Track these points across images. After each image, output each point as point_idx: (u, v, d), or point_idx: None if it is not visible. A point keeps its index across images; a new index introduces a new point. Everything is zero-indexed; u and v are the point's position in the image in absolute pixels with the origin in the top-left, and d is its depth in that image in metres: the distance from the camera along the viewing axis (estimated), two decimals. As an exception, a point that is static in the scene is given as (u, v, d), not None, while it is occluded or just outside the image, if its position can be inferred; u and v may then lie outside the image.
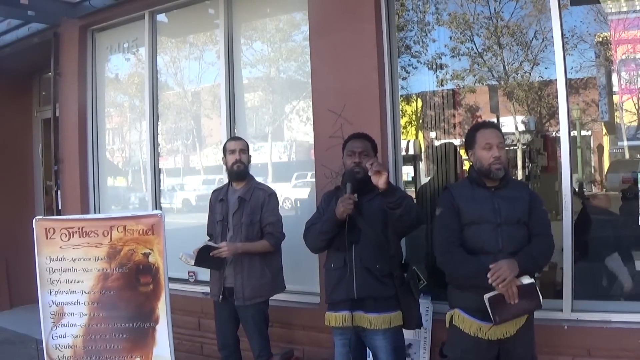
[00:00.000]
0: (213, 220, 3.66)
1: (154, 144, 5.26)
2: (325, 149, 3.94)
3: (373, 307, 2.89)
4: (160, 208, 5.15)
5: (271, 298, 3.61)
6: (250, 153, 3.68)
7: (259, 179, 3.87)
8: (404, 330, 3.02)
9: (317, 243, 3.03)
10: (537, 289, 2.56)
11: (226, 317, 3.58)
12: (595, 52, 4.85)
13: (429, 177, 4.81)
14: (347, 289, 2.89)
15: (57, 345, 3.39)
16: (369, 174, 2.74)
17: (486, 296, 2.51)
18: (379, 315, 2.88)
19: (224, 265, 3.46)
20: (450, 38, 4.97)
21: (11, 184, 6.79)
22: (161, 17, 5.32)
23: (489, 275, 2.47)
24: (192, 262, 3.38)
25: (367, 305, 2.89)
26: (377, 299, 2.89)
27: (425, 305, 3.61)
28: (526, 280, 2.51)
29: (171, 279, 3.67)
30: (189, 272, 4.81)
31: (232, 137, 3.91)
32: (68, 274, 3.38)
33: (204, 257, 3.37)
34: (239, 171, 3.56)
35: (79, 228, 3.39)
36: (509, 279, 2.47)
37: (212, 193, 3.76)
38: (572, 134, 3.51)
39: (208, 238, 3.66)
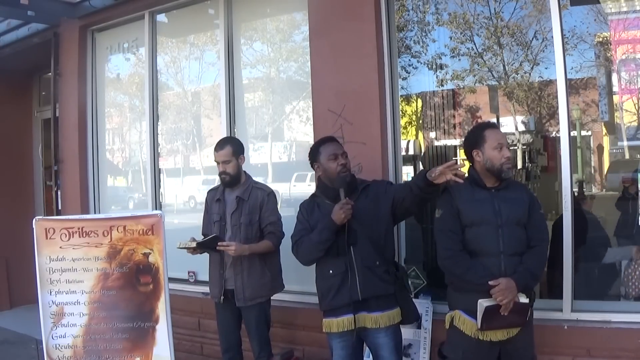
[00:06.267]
0: (209, 220, 3.62)
1: (154, 144, 5.26)
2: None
3: (376, 306, 2.90)
4: (160, 208, 5.14)
5: (272, 298, 3.60)
6: (246, 154, 3.63)
7: (259, 179, 3.85)
8: (402, 327, 3.05)
9: (314, 254, 2.96)
10: (530, 309, 2.64)
11: (229, 319, 3.56)
12: (595, 52, 4.85)
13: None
14: (351, 292, 2.88)
15: (57, 345, 3.39)
16: (437, 179, 2.61)
17: (483, 302, 2.53)
18: (382, 314, 2.91)
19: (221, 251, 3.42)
20: (450, 38, 4.97)
21: (11, 184, 6.79)
22: (161, 17, 5.32)
23: (492, 292, 2.52)
24: (194, 244, 3.36)
25: (371, 305, 2.90)
26: (380, 297, 2.91)
27: (425, 306, 3.61)
28: (523, 299, 2.58)
29: (171, 279, 3.66)
30: (189, 272, 4.80)
31: (218, 143, 3.59)
32: (68, 274, 3.38)
33: (207, 243, 3.38)
34: (226, 182, 3.52)
35: (79, 228, 3.39)
36: (509, 299, 2.52)
37: (208, 193, 3.72)
38: (572, 134, 3.50)
39: (202, 237, 3.65)
